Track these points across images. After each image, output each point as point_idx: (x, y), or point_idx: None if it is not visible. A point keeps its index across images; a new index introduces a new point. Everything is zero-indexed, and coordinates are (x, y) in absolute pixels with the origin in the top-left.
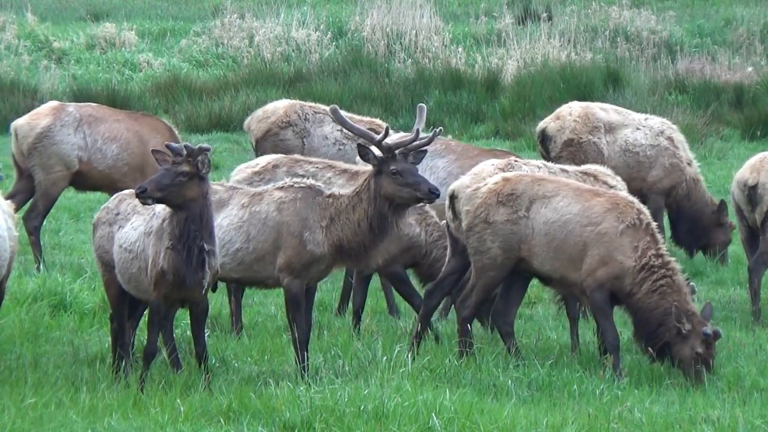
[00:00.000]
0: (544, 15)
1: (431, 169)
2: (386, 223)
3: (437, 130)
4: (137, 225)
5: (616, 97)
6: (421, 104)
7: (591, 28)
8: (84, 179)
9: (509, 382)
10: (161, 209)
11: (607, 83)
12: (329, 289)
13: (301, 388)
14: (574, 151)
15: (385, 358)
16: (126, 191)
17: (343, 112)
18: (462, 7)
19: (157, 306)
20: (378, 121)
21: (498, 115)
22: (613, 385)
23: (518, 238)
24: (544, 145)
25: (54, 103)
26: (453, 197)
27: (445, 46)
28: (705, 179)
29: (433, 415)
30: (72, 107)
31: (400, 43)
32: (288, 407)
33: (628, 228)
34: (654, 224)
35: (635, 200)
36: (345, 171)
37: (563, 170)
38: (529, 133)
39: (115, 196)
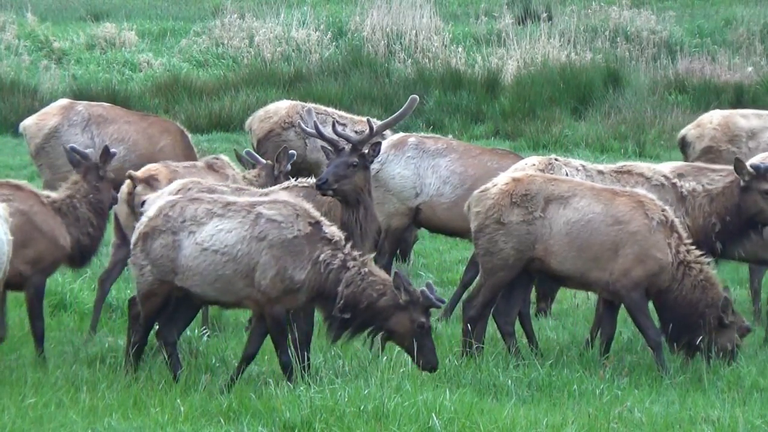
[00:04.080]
0: (544, 15)
1: (433, 168)
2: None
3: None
4: (231, 227)
5: (616, 97)
6: (413, 96)
7: (591, 28)
8: None
9: (509, 382)
10: (277, 215)
11: (607, 83)
12: None
13: (301, 388)
14: (713, 158)
15: (385, 358)
16: (175, 197)
17: (342, 112)
18: (462, 7)
19: (281, 316)
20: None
21: (498, 115)
22: (613, 385)
23: (534, 238)
24: (684, 151)
25: (64, 102)
26: None
27: (445, 46)
28: None
29: (433, 415)
30: (81, 106)
31: (400, 43)
32: (288, 407)
33: (659, 225)
34: (677, 221)
35: (655, 197)
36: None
37: (600, 172)
38: (529, 133)
39: (167, 203)
